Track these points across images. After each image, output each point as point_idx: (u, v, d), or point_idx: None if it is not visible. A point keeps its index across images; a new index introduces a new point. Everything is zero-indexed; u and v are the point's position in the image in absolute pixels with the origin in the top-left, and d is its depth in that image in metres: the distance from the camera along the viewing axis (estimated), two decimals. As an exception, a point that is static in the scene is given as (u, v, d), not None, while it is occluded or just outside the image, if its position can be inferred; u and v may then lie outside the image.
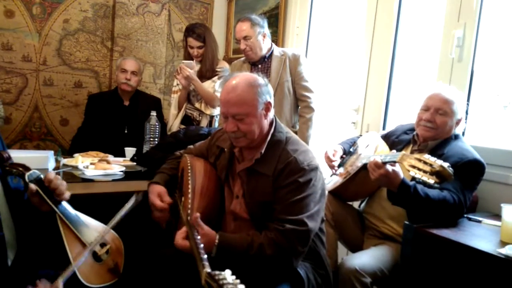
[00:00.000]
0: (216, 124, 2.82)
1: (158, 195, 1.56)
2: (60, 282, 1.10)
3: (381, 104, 2.43)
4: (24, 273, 1.20)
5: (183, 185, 1.59)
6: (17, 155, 1.33)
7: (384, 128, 2.37)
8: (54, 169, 1.95)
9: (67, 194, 1.25)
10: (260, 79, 1.41)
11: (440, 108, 1.65)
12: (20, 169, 1.23)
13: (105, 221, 1.38)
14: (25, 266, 1.23)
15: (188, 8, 3.72)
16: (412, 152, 1.72)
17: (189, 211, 1.39)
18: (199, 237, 1.19)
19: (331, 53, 2.97)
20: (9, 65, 2.91)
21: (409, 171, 1.36)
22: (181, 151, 1.84)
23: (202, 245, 1.09)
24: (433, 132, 1.67)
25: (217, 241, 1.26)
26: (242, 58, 2.68)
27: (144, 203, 1.59)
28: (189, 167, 1.55)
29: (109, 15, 3.29)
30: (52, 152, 2.04)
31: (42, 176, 1.24)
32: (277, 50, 2.56)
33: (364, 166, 1.61)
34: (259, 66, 2.55)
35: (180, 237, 1.27)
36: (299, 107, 2.54)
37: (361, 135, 2.07)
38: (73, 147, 2.74)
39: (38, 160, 1.79)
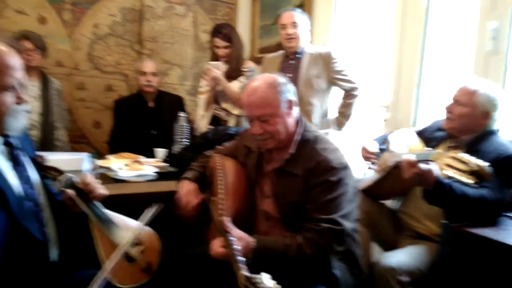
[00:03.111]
0: (244, 124, 2.82)
1: (187, 192, 1.57)
2: None
3: (411, 100, 2.37)
4: (66, 272, 1.25)
5: (213, 184, 1.60)
6: (54, 158, 1.38)
7: (414, 125, 2.32)
8: (89, 171, 2.00)
9: (104, 191, 1.28)
10: (280, 78, 1.42)
11: (459, 99, 1.62)
12: (53, 173, 1.27)
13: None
14: (67, 265, 1.27)
15: (213, 9, 3.74)
16: (447, 149, 1.67)
17: (221, 211, 1.40)
18: (233, 239, 1.19)
19: (357, 49, 2.92)
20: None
21: (444, 170, 1.32)
22: (211, 151, 1.86)
23: (237, 247, 1.10)
24: (452, 123, 1.64)
25: (253, 244, 1.25)
26: (273, 54, 2.72)
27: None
28: (219, 167, 1.56)
29: (137, 19, 3.36)
30: (87, 154, 2.10)
31: (74, 179, 1.27)
32: (309, 48, 2.58)
33: (397, 164, 1.57)
34: (291, 62, 2.56)
35: (216, 245, 1.25)
36: (342, 96, 2.55)
37: (392, 132, 2.02)
38: (111, 149, 2.82)
39: (73, 162, 1.84)
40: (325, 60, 2.50)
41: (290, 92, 1.41)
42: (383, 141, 1.94)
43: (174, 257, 1.49)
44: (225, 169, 1.55)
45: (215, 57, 2.79)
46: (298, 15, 2.51)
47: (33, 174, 1.23)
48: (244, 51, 2.87)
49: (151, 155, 2.47)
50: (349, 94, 2.52)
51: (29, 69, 2.45)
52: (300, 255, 1.25)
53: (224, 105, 2.80)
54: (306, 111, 2.43)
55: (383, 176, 1.70)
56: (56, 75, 2.97)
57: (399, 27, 2.44)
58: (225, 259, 1.17)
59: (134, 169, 2.07)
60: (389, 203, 1.98)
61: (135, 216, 1.38)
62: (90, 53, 3.24)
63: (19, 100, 1.12)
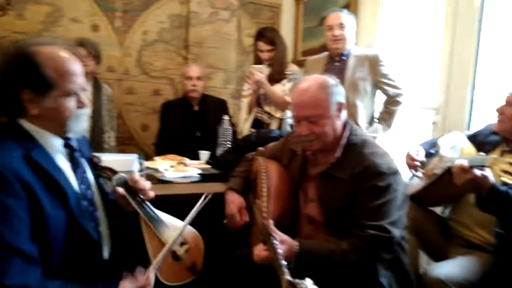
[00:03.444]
0: (286, 127, 2.82)
1: (239, 209, 1.59)
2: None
3: (465, 102, 2.25)
4: (117, 269, 1.30)
5: (257, 187, 1.61)
6: (107, 159, 1.44)
7: (468, 129, 2.20)
8: (138, 172, 2.08)
9: (152, 194, 1.32)
10: (331, 80, 1.39)
11: (509, 100, 1.54)
12: (108, 172, 1.33)
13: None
14: (119, 262, 1.32)
15: (257, 14, 3.78)
16: (502, 153, 1.58)
17: (264, 215, 1.40)
18: (277, 242, 1.18)
19: (405, 50, 2.83)
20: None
21: (500, 176, 1.24)
22: (253, 153, 1.87)
23: (280, 251, 1.09)
24: (503, 126, 1.56)
25: (297, 248, 1.23)
26: (317, 56, 2.70)
27: (219, 204, 1.64)
28: (263, 170, 1.57)
29: (183, 25, 3.46)
30: (137, 155, 2.19)
31: (126, 178, 1.32)
32: (355, 50, 2.54)
33: (448, 170, 1.50)
34: (336, 64, 2.53)
35: (259, 250, 1.24)
36: (385, 102, 2.50)
37: (442, 136, 1.94)
38: (157, 151, 2.92)
39: (125, 163, 1.92)
40: (372, 63, 2.46)
41: (340, 94, 1.39)
42: (432, 145, 1.86)
43: (218, 258, 1.51)
44: (269, 172, 1.55)
45: (258, 61, 2.81)
46: (345, 16, 2.47)
47: (89, 175, 1.29)
48: (287, 54, 2.87)
49: (195, 157, 2.53)
50: (393, 101, 2.46)
51: (91, 74, 2.59)
52: (344, 261, 1.22)
53: (267, 108, 2.81)
54: (350, 114, 2.38)
55: (432, 182, 1.63)
56: (107, 80, 3.13)
57: (450, 24, 2.33)
58: (268, 263, 1.16)
59: (179, 170, 2.13)
60: (438, 210, 1.90)
61: (179, 216, 1.42)
62: (139, 59, 3.37)
63: (81, 105, 1.17)
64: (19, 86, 1.09)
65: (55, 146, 1.17)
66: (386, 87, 2.46)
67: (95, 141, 2.76)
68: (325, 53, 2.65)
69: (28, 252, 1.00)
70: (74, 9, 3.09)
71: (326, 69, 2.55)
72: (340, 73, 2.46)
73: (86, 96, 2.76)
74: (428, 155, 1.82)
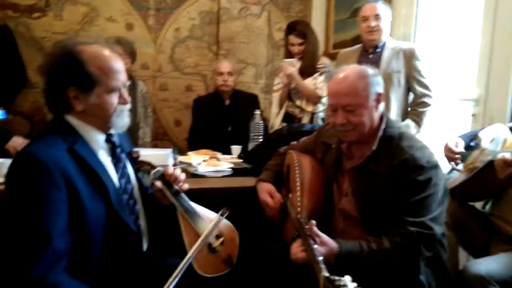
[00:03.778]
0: (318, 121, 2.79)
1: (269, 193, 1.59)
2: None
3: (507, 93, 2.15)
4: (154, 260, 1.34)
5: (289, 181, 1.61)
6: (143, 153, 1.48)
7: (511, 120, 2.10)
8: (172, 166, 2.13)
9: (186, 185, 1.35)
10: (370, 70, 1.36)
11: None
12: (147, 166, 1.37)
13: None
14: (156, 253, 1.36)
15: (287, 7, 3.75)
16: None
17: (298, 209, 1.40)
18: (313, 242, 1.15)
19: (442, 39, 2.72)
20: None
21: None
22: (285, 147, 1.86)
23: (316, 246, 1.08)
24: None
25: (337, 250, 1.19)
26: (350, 48, 2.65)
27: (253, 200, 1.65)
28: (296, 164, 1.56)
29: (214, 21, 3.48)
30: (171, 150, 2.23)
31: (164, 172, 1.36)
32: (390, 42, 2.47)
33: (490, 163, 1.44)
34: (370, 56, 2.48)
35: (296, 249, 1.20)
36: (414, 102, 2.42)
37: (483, 128, 1.86)
38: (190, 146, 2.97)
39: (160, 157, 1.96)
40: (407, 56, 2.39)
41: (379, 84, 1.36)
42: (472, 137, 1.79)
43: (253, 251, 1.52)
44: (302, 166, 1.54)
45: (289, 55, 2.79)
46: (381, 7, 2.41)
47: (130, 169, 1.33)
48: (318, 47, 2.84)
49: (227, 151, 2.55)
50: (420, 102, 2.38)
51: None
52: (388, 261, 1.18)
53: (298, 102, 2.79)
54: (385, 106, 2.34)
55: (472, 176, 1.57)
56: (142, 77, 3.21)
57: (490, 13, 2.22)
58: (305, 263, 1.13)
59: (212, 165, 2.15)
60: (478, 205, 1.83)
61: (212, 210, 1.44)
62: (172, 56, 3.43)
63: (123, 101, 1.21)
64: (65, 84, 1.13)
65: (98, 141, 1.21)
66: (415, 85, 2.38)
67: (131, 137, 2.84)
68: (358, 45, 2.60)
69: (59, 247, 1.02)
70: (109, 8, 3.18)
71: (359, 61, 2.49)
72: (374, 65, 2.38)
73: None
74: (468, 148, 1.75)
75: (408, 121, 2.38)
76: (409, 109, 2.45)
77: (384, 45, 2.45)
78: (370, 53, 2.49)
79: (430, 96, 2.37)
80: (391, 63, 2.39)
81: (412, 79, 2.39)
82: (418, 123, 2.36)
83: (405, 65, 2.38)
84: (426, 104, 2.36)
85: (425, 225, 1.20)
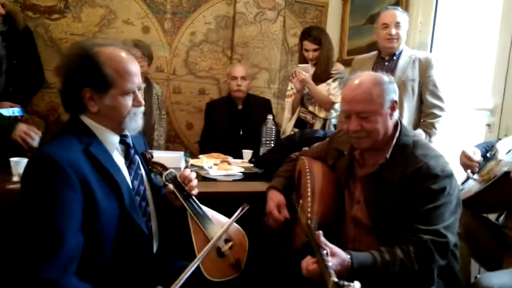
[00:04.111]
0: (330, 127, 2.78)
1: (277, 205, 1.58)
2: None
3: (524, 103, 2.11)
4: (163, 262, 1.35)
5: (300, 187, 1.60)
6: (156, 155, 1.49)
7: (528, 132, 2.06)
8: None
9: (195, 191, 1.37)
10: (385, 77, 1.35)
11: None
12: (160, 168, 1.38)
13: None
14: (165, 255, 1.37)
15: (302, 13, 3.76)
16: None
17: (309, 215, 1.39)
18: (323, 248, 1.13)
19: (459, 48, 2.69)
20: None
21: None
22: (297, 153, 1.86)
23: (325, 252, 1.06)
24: None
25: (349, 262, 1.14)
26: (365, 55, 2.63)
27: (264, 203, 1.64)
28: (307, 170, 1.55)
29: (229, 26, 3.51)
30: (183, 153, 2.25)
31: (176, 174, 1.37)
32: (407, 51, 2.45)
33: (506, 175, 1.42)
34: (386, 63, 2.46)
35: (308, 262, 1.13)
36: (424, 112, 2.38)
37: (499, 139, 1.83)
38: (201, 149, 2.99)
39: (173, 160, 1.98)
40: (423, 65, 2.36)
41: (394, 92, 1.35)
42: (487, 148, 1.77)
43: (261, 257, 1.52)
44: (313, 172, 1.53)
45: (303, 60, 2.79)
46: (401, 15, 2.39)
47: (143, 171, 1.34)
48: (333, 53, 2.83)
49: (238, 155, 2.56)
50: (430, 113, 2.34)
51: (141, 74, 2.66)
52: (402, 272, 1.15)
53: (311, 108, 2.79)
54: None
55: (487, 187, 1.54)
56: (156, 80, 3.24)
57: (507, 23, 2.20)
58: (318, 277, 1.07)
59: (223, 168, 2.16)
60: (492, 217, 1.79)
61: (222, 213, 1.44)
62: (187, 59, 3.46)
63: (137, 103, 1.22)
64: (81, 84, 1.15)
65: (112, 142, 1.22)
66: (427, 95, 2.34)
67: (148, 140, 2.84)
68: (374, 52, 2.58)
69: (71, 248, 1.03)
70: (127, 11, 3.22)
71: (374, 68, 2.48)
72: (389, 73, 2.36)
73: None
74: (484, 158, 1.73)
75: (420, 131, 2.35)
76: (421, 120, 2.42)
77: (400, 53, 2.43)
78: (386, 60, 2.47)
79: (441, 107, 2.33)
80: (407, 72, 2.37)
81: (424, 89, 2.36)
82: (429, 133, 2.33)
83: (420, 74, 2.36)
84: (435, 115, 2.33)
85: (439, 232, 1.18)
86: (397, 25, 2.36)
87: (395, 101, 1.34)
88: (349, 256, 1.13)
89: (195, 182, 1.36)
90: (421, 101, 2.39)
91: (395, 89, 1.35)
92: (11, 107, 2.20)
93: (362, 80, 1.33)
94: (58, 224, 1.02)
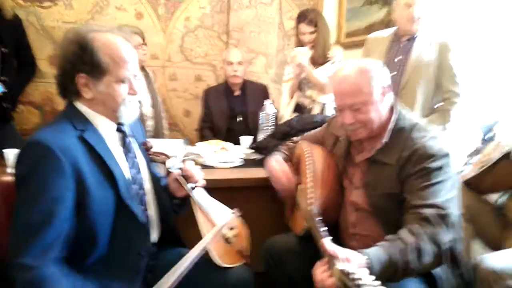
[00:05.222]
0: (327, 111, 2.75)
1: (282, 169, 1.57)
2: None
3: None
4: (164, 251, 1.34)
5: (300, 172, 1.59)
6: (156, 143, 1.47)
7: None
8: (184, 157, 2.12)
9: (203, 181, 1.37)
10: (371, 62, 1.32)
11: None
12: (162, 157, 1.37)
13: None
14: (166, 245, 1.37)
15: (299, -5, 3.69)
16: None
17: (310, 201, 1.38)
18: (323, 227, 1.13)
19: (462, 35, 2.61)
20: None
21: None
22: (295, 138, 1.84)
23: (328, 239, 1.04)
24: None
25: (368, 262, 1.03)
26: (380, 32, 2.49)
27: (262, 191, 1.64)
28: (307, 155, 1.54)
29: (224, 10, 3.44)
30: (182, 140, 2.22)
31: (181, 163, 1.36)
32: (425, 32, 2.30)
33: (506, 155, 1.40)
34: (402, 44, 2.32)
35: (323, 276, 1.00)
36: (440, 97, 2.27)
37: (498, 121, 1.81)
38: (199, 136, 2.97)
39: (173, 148, 1.95)
40: (441, 48, 2.22)
41: (383, 76, 1.32)
42: (489, 130, 1.75)
43: (259, 243, 1.52)
44: (313, 157, 1.52)
45: (300, 44, 2.74)
46: None
47: (141, 160, 1.32)
48: (330, 36, 2.78)
49: (237, 142, 2.54)
50: (446, 98, 2.22)
51: (139, 63, 2.55)
52: (419, 254, 1.09)
53: (309, 92, 2.76)
54: (410, 99, 2.21)
55: (488, 168, 1.54)
56: (152, 67, 3.18)
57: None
58: None
59: (221, 155, 2.14)
60: (493, 197, 1.79)
61: (221, 201, 1.44)
62: (182, 45, 3.40)
63: (132, 92, 1.20)
64: (76, 70, 1.13)
65: (107, 129, 1.21)
66: (444, 80, 2.21)
67: (158, 129, 2.77)
68: (390, 31, 2.42)
69: (56, 234, 1.02)
70: (119, -3, 3.16)
71: (390, 48, 2.35)
72: (405, 53, 2.28)
73: (144, 86, 2.78)
74: (485, 140, 1.72)
75: (433, 117, 2.24)
76: (436, 106, 2.30)
77: (419, 34, 2.28)
78: (403, 41, 2.32)
79: (457, 93, 2.20)
80: (423, 55, 2.23)
81: (441, 73, 2.23)
82: (443, 120, 2.22)
83: (437, 57, 2.23)
84: (451, 102, 2.21)
85: (438, 205, 1.16)
86: (420, 5, 2.20)
87: (385, 86, 1.31)
88: (366, 257, 1.03)
89: (198, 173, 1.36)
90: (436, 87, 2.27)
91: (383, 73, 1.32)
92: None
93: (347, 72, 1.31)
94: (42, 210, 1.01)
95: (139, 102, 1.25)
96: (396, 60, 2.27)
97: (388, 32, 2.42)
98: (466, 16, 2.46)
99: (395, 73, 2.23)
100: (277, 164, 1.61)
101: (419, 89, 2.23)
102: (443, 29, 2.46)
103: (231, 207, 1.45)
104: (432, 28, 2.36)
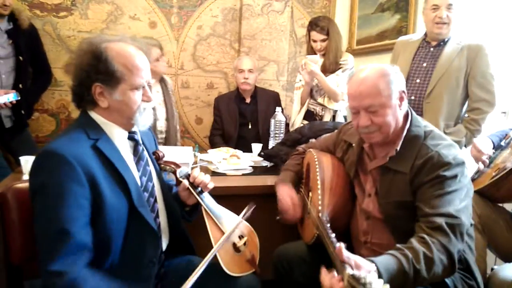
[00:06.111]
0: (339, 118, 2.75)
1: (293, 203, 1.57)
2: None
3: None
4: (174, 258, 1.35)
5: (310, 180, 1.58)
6: (166, 151, 1.49)
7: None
8: (192, 164, 2.14)
9: (211, 185, 1.37)
10: (389, 67, 1.32)
11: None
12: (173, 166, 1.38)
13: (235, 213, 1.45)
14: (175, 252, 1.37)
15: (310, 3, 3.70)
16: None
17: (319, 208, 1.37)
18: (333, 234, 1.12)
19: (474, 36, 2.59)
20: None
21: None
22: (303, 145, 1.84)
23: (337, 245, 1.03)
24: None
25: (375, 270, 1.01)
26: (410, 36, 2.41)
27: (270, 199, 1.63)
28: (316, 162, 1.53)
29: (236, 18, 3.47)
30: (191, 148, 2.24)
31: (190, 172, 1.37)
32: (455, 36, 2.20)
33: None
34: (431, 49, 2.21)
35: (333, 281, 0.98)
36: (469, 107, 2.13)
37: (514, 127, 1.78)
38: (210, 144, 2.98)
39: (182, 155, 1.97)
40: (472, 53, 2.09)
41: (402, 82, 1.31)
42: (503, 137, 1.72)
43: (270, 251, 1.51)
44: (322, 165, 1.51)
45: (312, 51, 2.75)
46: None
47: (152, 168, 1.34)
48: (342, 44, 2.78)
49: (248, 149, 2.55)
50: (476, 108, 2.08)
51: (154, 74, 2.45)
52: (430, 263, 1.08)
53: (320, 99, 2.76)
54: (435, 107, 2.11)
55: (502, 176, 1.50)
56: (164, 75, 3.22)
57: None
58: None
59: (232, 163, 2.15)
60: (508, 206, 1.75)
61: (231, 208, 1.44)
62: (194, 54, 3.44)
63: (147, 99, 1.22)
64: (91, 80, 1.16)
65: (120, 138, 1.23)
66: (474, 87, 2.07)
67: (171, 142, 2.74)
68: (420, 35, 2.32)
69: (80, 240, 1.04)
70: (133, 7, 3.21)
71: (418, 53, 2.25)
72: (433, 59, 2.18)
73: (159, 98, 2.79)
74: (498, 147, 1.68)
75: (460, 126, 2.12)
76: (466, 115, 2.16)
77: (449, 38, 2.17)
78: (433, 46, 2.21)
79: (490, 102, 2.05)
80: (453, 60, 2.10)
81: (471, 80, 2.08)
82: (471, 131, 2.08)
83: (468, 63, 2.08)
84: (481, 111, 2.06)
85: (450, 215, 1.14)
86: (449, 7, 2.09)
87: (403, 91, 1.31)
88: (374, 264, 1.02)
89: (206, 178, 1.37)
90: (466, 94, 2.13)
91: (401, 79, 1.32)
92: (5, 93, 2.28)
93: (366, 74, 1.30)
94: (65, 217, 1.03)
95: (153, 113, 1.27)
96: (423, 66, 2.19)
97: (417, 36, 2.33)
98: (503, 19, 2.35)
99: (420, 80, 2.17)
100: (287, 195, 1.59)
101: (445, 97, 2.10)
102: (477, 33, 2.37)
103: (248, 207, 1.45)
104: (465, 32, 2.26)
